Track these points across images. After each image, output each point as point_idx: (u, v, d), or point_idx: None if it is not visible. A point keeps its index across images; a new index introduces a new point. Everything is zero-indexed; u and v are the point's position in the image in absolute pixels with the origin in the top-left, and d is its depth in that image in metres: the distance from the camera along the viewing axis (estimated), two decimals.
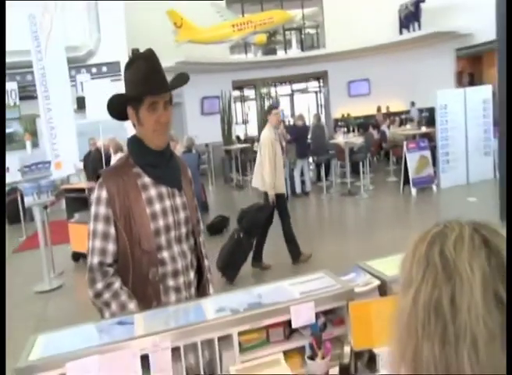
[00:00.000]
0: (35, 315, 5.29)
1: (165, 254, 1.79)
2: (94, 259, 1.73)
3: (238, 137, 15.25)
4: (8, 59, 10.50)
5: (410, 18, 15.38)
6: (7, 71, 10.93)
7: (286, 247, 6.17)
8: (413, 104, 15.65)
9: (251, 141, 14.51)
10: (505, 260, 0.70)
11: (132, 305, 1.70)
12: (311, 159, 11.74)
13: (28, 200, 5.94)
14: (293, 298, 1.51)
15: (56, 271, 6.67)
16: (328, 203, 10.33)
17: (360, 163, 10.20)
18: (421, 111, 14.25)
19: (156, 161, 1.81)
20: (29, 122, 11.73)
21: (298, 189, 10.85)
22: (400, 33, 15.73)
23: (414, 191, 9.54)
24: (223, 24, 14.68)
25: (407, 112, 15.50)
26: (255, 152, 13.91)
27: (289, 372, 1.45)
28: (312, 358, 1.43)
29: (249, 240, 5.77)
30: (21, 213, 9.30)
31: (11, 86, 10.64)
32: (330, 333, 1.55)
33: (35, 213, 6.18)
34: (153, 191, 1.79)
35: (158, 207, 1.78)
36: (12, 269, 7.48)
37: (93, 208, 1.76)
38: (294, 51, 18.03)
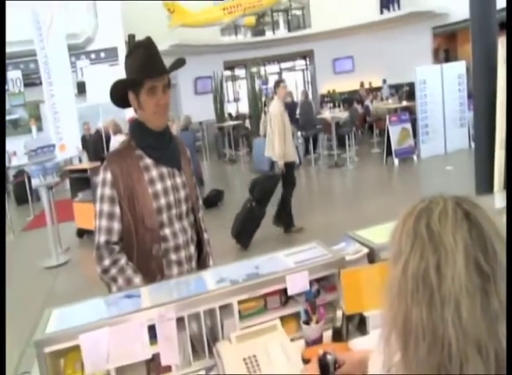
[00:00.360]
0: (44, 289, 5.30)
1: (167, 230, 1.79)
2: (101, 238, 1.73)
3: (230, 115, 15.12)
4: (12, 49, 10.31)
5: None
6: (12, 60, 10.74)
7: (278, 216, 6.12)
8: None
9: (243, 117, 14.42)
10: (485, 231, 0.71)
11: (137, 279, 1.71)
12: (299, 134, 11.70)
13: (35, 182, 5.90)
14: (289, 268, 1.51)
15: (63, 247, 6.68)
16: (316, 175, 10.33)
17: (346, 136, 10.18)
18: (401, 86, 14.16)
19: (156, 143, 1.80)
20: (33, 108, 11.55)
21: None
22: (381, 12, 15.55)
23: (396, 161, 9.56)
24: (214, 8, 14.41)
25: (390, 86, 15.41)
26: (247, 129, 14.00)
27: (286, 336, 1.46)
28: (307, 322, 1.44)
29: (261, 208, 5.77)
30: (28, 194, 9.24)
31: (16, 74, 10.46)
32: (323, 299, 1.55)
33: (41, 194, 6.15)
34: (154, 172, 1.78)
35: (159, 187, 1.78)
36: (22, 247, 7.48)
37: (98, 190, 1.75)
38: (282, 32, 17.77)
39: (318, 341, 1.44)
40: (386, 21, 15.08)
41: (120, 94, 1.77)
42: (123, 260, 1.73)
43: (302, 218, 6.41)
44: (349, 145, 10.28)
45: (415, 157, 9.77)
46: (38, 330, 1.40)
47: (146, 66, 1.69)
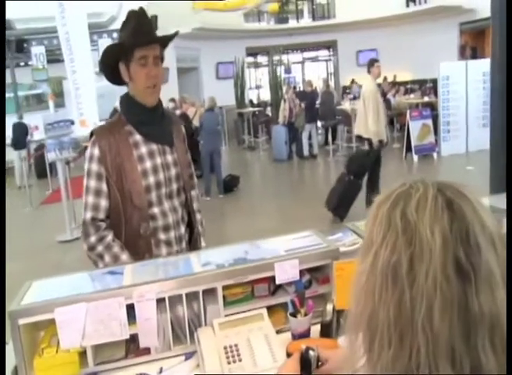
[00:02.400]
0: (55, 262, 5.32)
1: (156, 210, 1.72)
2: (87, 214, 1.67)
3: (251, 101, 15.00)
4: (36, 25, 10.34)
5: None
6: (36, 36, 10.77)
7: (369, 197, 6.01)
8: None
9: (264, 105, 14.26)
10: (469, 223, 0.59)
11: (124, 256, 1.65)
12: (319, 124, 11.52)
13: (51, 155, 5.91)
14: (278, 255, 1.42)
15: (77, 222, 6.69)
16: (334, 166, 10.17)
17: None
18: (424, 81, 13.81)
19: (147, 118, 1.71)
20: (56, 83, 11.60)
21: (306, 152, 10.69)
22: (407, 5, 15.14)
23: (415, 157, 9.33)
24: None
25: (413, 82, 15.07)
26: (267, 116, 13.85)
27: (271, 326, 1.38)
28: (294, 315, 1.34)
29: (358, 182, 5.96)
30: (47, 168, 9.31)
31: (39, 50, 10.50)
32: (315, 290, 1.46)
33: (58, 168, 6.15)
34: (144, 149, 1.70)
35: (148, 164, 1.70)
36: (38, 220, 7.56)
37: (86, 165, 1.69)
38: (306, 21, 17.48)
39: (305, 334, 1.35)
40: (412, 14, 14.65)
41: (111, 68, 1.69)
42: (110, 237, 1.67)
43: (319, 207, 6.27)
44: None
45: (435, 154, 9.52)
46: (14, 301, 1.35)
47: (136, 33, 1.63)
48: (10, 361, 1.36)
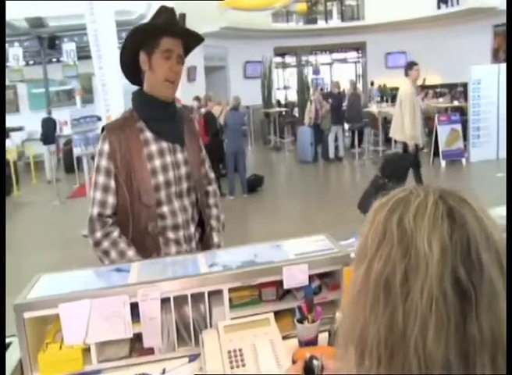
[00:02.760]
0: (79, 255, 5.38)
1: (165, 208, 1.69)
2: (94, 210, 1.66)
3: (278, 102, 14.95)
4: (67, 22, 10.53)
5: None
6: (68, 33, 10.97)
7: None
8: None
9: (291, 105, 14.19)
10: (471, 235, 0.53)
11: (130, 253, 1.63)
12: (346, 126, 11.39)
13: (76, 150, 6.01)
14: (287, 259, 1.37)
15: None
16: (359, 169, 10.06)
17: None
18: (454, 85, 13.49)
19: (159, 115, 1.69)
20: (86, 79, 11.80)
21: (331, 154, 10.59)
22: (438, 7, 14.75)
23: (443, 163, 9.10)
24: None
25: (442, 85, 14.74)
26: (293, 117, 13.78)
27: (278, 332, 1.33)
28: (301, 321, 1.29)
29: (393, 185, 5.82)
30: (75, 163, 9.47)
31: (70, 46, 10.71)
32: (324, 297, 1.41)
33: (84, 163, 6.24)
34: (154, 147, 1.67)
35: (158, 163, 1.67)
36: (65, 214, 7.70)
37: (95, 161, 1.68)
38: (335, 22, 17.31)
39: (312, 342, 1.30)
40: (444, 16, 14.23)
41: (132, 57, 1.66)
42: (116, 233, 1.65)
43: (342, 209, 6.20)
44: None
45: (464, 160, 9.27)
46: (21, 294, 1.35)
47: (166, 24, 1.61)
48: (15, 354, 1.36)
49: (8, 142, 10.86)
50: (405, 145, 5.94)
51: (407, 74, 5.98)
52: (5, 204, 6.56)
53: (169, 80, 1.64)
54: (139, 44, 1.64)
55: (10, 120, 12.38)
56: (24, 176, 11.07)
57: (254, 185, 8.11)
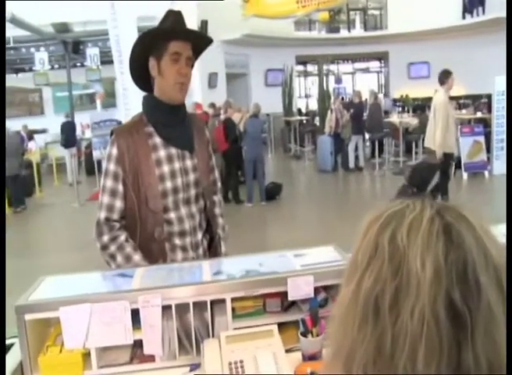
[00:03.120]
0: (95, 257, 5.42)
1: (172, 215, 1.67)
2: (102, 214, 1.65)
3: (299, 110, 14.93)
4: (91, 28, 10.73)
5: (474, 2, 14.01)
6: (92, 38, 11.18)
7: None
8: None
9: (312, 114, 14.15)
10: (468, 255, 0.49)
11: (137, 257, 1.61)
12: (367, 136, 11.30)
13: (96, 153, 6.08)
14: (292, 270, 1.34)
15: None
16: (379, 180, 9.95)
17: (414, 143, 9.67)
18: (478, 97, 13.26)
19: (168, 120, 1.67)
20: (108, 84, 12.00)
21: (351, 164, 10.50)
22: (463, 17, 14.55)
23: (465, 175, 8.93)
24: (288, 0, 14.21)
25: (466, 97, 14.51)
26: (314, 125, 13.72)
27: (281, 345, 1.29)
28: (305, 334, 1.25)
29: (421, 195, 5.81)
30: (95, 166, 9.59)
31: (94, 51, 10.93)
32: (330, 310, 1.36)
33: (103, 166, 6.29)
34: (162, 152, 1.66)
35: (166, 169, 1.65)
36: (84, 216, 7.77)
37: (104, 164, 1.68)
38: (357, 31, 17.26)
39: (316, 357, 1.26)
40: (468, 26, 14.02)
41: (141, 64, 1.65)
42: (123, 237, 1.63)
43: (359, 220, 6.13)
44: (416, 153, 9.78)
45: (487, 173, 9.08)
46: (23, 296, 1.34)
47: (174, 27, 1.61)
48: (16, 356, 1.35)
49: (32, 144, 11.08)
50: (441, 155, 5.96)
51: (442, 83, 5.97)
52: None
53: (179, 82, 1.62)
54: (148, 49, 1.63)
55: (35, 123, 12.67)
56: (47, 178, 11.27)
57: (272, 193, 8.08)
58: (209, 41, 1.74)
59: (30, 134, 11.53)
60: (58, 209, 8.92)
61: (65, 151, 10.58)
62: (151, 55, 1.63)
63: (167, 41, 1.59)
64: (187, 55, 1.62)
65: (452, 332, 0.48)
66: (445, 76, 5.96)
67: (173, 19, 1.62)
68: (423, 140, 10.52)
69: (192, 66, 1.67)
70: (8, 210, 8.39)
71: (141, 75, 1.68)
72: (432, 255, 0.50)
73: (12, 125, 9.45)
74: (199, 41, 1.70)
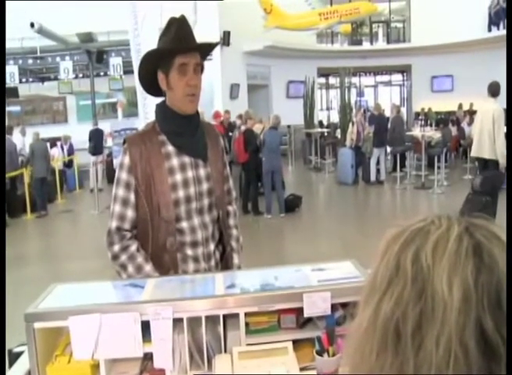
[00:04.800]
0: (110, 265, 5.43)
1: (185, 224, 1.64)
2: (113, 223, 1.63)
3: (321, 122, 14.89)
4: (115, 38, 10.92)
5: (500, 15, 13.73)
6: (114, 48, 11.37)
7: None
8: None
9: (333, 126, 14.08)
10: (502, 278, 0.44)
11: (148, 267, 1.58)
12: (388, 150, 11.17)
13: (116, 162, 6.10)
14: (309, 285, 1.29)
15: None
16: (401, 194, 9.81)
17: (436, 157, 9.51)
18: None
19: (181, 129, 1.65)
20: (131, 93, 12.13)
21: (373, 177, 10.38)
22: (489, 30, 14.31)
23: None
24: (310, 12, 14.30)
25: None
26: (335, 138, 13.64)
27: (295, 363, 1.24)
28: (320, 353, 1.20)
29: (494, 203, 5.89)
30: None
31: (117, 61, 11.13)
32: (347, 328, 1.30)
33: None
34: (175, 161, 1.63)
35: (179, 177, 1.62)
36: (101, 223, 7.82)
37: (116, 173, 1.66)
38: (380, 44, 17.20)
39: None
40: (494, 39, 13.71)
41: (150, 76, 1.64)
42: (134, 247, 1.61)
43: (379, 235, 6.02)
44: (438, 167, 9.61)
45: None
46: (33, 303, 1.32)
47: (177, 39, 1.57)
48: (25, 363, 1.33)
49: (54, 151, 11.26)
50: (483, 164, 6.20)
51: (495, 94, 6.20)
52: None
53: (189, 94, 1.60)
54: (155, 65, 1.63)
55: (59, 130, 12.89)
56: (69, 185, 11.42)
57: (292, 205, 8.02)
58: (215, 45, 1.73)
59: (54, 141, 11.74)
60: (76, 216, 9.02)
61: (88, 159, 10.73)
62: (158, 68, 1.62)
63: (172, 57, 1.57)
64: (195, 62, 1.60)
65: (483, 364, 0.43)
66: (499, 88, 6.21)
67: (176, 27, 1.59)
68: (446, 154, 10.41)
69: (201, 69, 1.64)
70: (30, 215, 8.53)
71: (152, 87, 1.67)
72: (459, 277, 0.45)
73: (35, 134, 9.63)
74: (204, 46, 1.69)
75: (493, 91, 6.21)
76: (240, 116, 9.12)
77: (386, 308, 0.48)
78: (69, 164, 11.28)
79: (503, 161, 5.91)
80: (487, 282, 0.45)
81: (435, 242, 0.48)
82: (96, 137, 10.79)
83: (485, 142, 6.10)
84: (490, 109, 6.15)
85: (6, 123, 6.70)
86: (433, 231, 0.49)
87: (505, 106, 6.14)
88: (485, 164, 6.20)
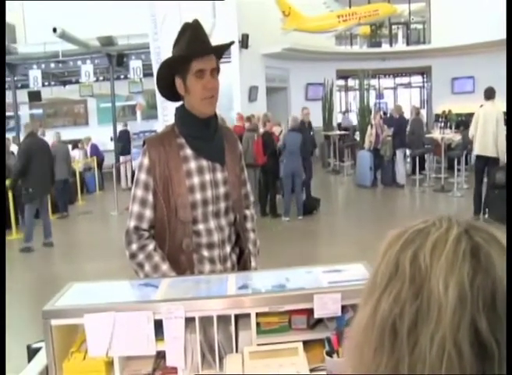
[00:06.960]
0: (127, 266, 5.50)
1: (201, 226, 1.66)
2: (131, 223, 1.67)
3: (339, 125, 14.79)
4: (135, 41, 11.06)
5: None
6: (134, 51, 11.52)
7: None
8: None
9: (352, 129, 13.99)
10: (497, 281, 0.44)
11: (165, 267, 1.61)
12: (408, 152, 11.06)
13: (135, 164, 6.19)
14: (319, 286, 1.30)
15: None
16: (420, 196, 9.71)
17: (456, 160, 9.37)
18: None
19: (200, 132, 1.67)
20: (150, 95, 12.28)
21: (391, 180, 10.30)
22: None
23: None
24: (329, 15, 14.19)
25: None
26: (354, 140, 13.56)
27: (305, 363, 1.25)
28: (330, 354, 1.21)
29: None
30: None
31: (137, 64, 11.26)
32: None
33: None
34: (193, 164, 1.66)
35: (196, 180, 1.65)
36: (119, 225, 7.93)
37: (136, 174, 1.69)
38: (400, 46, 17.03)
39: None
40: None
41: (168, 83, 1.67)
42: (151, 246, 1.64)
43: None
44: (458, 170, 9.47)
45: None
46: (50, 301, 1.36)
47: (193, 44, 1.60)
48: (43, 359, 1.37)
49: (75, 153, 11.46)
50: (485, 161, 6.64)
51: (493, 97, 6.76)
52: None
53: (206, 97, 1.62)
54: (172, 71, 1.66)
55: (80, 133, 13.11)
56: (89, 186, 11.61)
57: (310, 207, 7.99)
58: (229, 45, 1.75)
59: (75, 144, 11.94)
60: (96, 217, 9.15)
61: (109, 161, 10.94)
62: (176, 74, 1.65)
63: (188, 62, 1.60)
64: (211, 65, 1.62)
65: (476, 365, 0.44)
66: (494, 92, 6.79)
67: (190, 34, 1.62)
68: (466, 156, 10.25)
69: (218, 71, 1.66)
70: (52, 216, 8.71)
71: (170, 92, 1.70)
72: (456, 277, 0.46)
73: (57, 134, 9.83)
74: (220, 48, 1.71)
75: (489, 95, 6.84)
76: (248, 119, 9.01)
77: (385, 305, 0.49)
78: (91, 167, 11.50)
79: (503, 158, 6.42)
80: (483, 284, 0.45)
81: (434, 243, 0.49)
82: (124, 138, 11.09)
83: (489, 142, 6.54)
84: (493, 111, 6.68)
85: (31, 127, 6.85)
86: (433, 232, 0.50)
87: (504, 108, 6.66)
88: (487, 161, 6.68)
